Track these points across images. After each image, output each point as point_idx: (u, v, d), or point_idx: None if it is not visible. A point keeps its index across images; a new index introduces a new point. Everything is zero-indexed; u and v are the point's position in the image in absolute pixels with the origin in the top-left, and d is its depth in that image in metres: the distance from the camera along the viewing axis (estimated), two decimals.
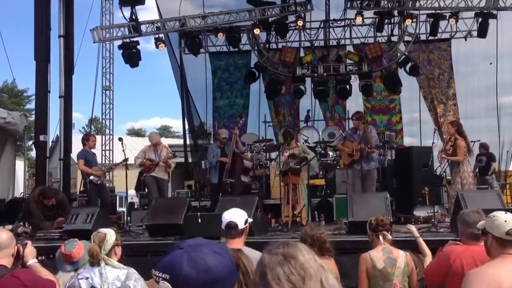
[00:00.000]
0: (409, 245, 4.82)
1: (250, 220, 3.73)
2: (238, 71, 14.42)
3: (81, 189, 10.26)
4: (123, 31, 11.44)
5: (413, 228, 4.84)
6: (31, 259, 3.17)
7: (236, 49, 13.62)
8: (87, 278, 3.08)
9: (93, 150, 9.46)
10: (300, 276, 1.35)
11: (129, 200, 11.95)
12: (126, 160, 8.73)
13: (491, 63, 13.43)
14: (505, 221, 2.76)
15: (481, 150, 11.88)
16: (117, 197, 13.18)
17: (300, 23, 12.33)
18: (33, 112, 13.58)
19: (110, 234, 3.29)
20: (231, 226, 3.52)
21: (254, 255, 3.44)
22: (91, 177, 8.85)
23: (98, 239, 3.27)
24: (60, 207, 8.15)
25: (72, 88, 11.64)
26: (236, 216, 3.56)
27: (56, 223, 7.93)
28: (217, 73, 14.67)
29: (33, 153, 18.91)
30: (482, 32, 12.21)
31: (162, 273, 1.36)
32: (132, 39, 11.41)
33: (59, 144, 11.52)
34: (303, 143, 10.54)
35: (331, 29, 14.07)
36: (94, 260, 3.18)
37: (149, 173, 9.44)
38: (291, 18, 12.60)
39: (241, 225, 3.53)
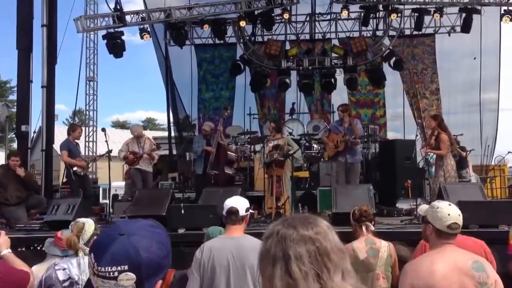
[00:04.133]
0: (392, 237, 4.85)
1: (251, 210, 3.75)
2: (224, 63, 14.37)
3: (64, 180, 10.16)
4: (108, 21, 11.30)
5: None
6: (5, 249, 3.09)
7: (222, 42, 13.56)
8: (64, 269, 3.00)
9: (76, 141, 9.35)
10: (325, 264, 1.26)
11: (113, 192, 11.87)
12: (109, 151, 8.65)
13: (475, 58, 13.58)
14: (448, 214, 2.79)
15: None
16: (100, 189, 13.08)
17: (286, 16, 12.32)
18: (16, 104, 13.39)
19: (88, 224, 3.22)
20: (232, 211, 3.53)
21: (254, 243, 3.45)
22: (74, 168, 8.76)
23: (76, 229, 3.20)
24: (28, 183, 8.29)
25: (55, 78, 11.49)
26: (238, 202, 3.60)
27: (31, 215, 7.99)
28: (203, 66, 14.60)
29: (15, 145, 18.66)
30: (466, 27, 12.30)
31: (116, 266, 1.23)
32: (116, 29, 11.28)
33: (41, 135, 11.37)
34: (287, 135, 10.55)
35: (316, 23, 14.08)
36: (72, 250, 3.12)
37: (133, 165, 9.38)
38: (277, 11, 12.57)
39: (242, 212, 3.54)
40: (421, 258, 2.82)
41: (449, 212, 2.80)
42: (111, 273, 1.22)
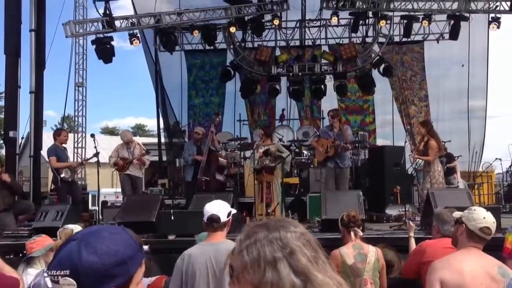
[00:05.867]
0: (381, 243, 4.87)
1: (233, 211, 3.65)
2: (214, 69, 14.38)
3: (52, 187, 10.08)
4: (97, 26, 11.26)
5: (412, 225, 4.74)
6: None
7: (212, 47, 13.57)
8: None
9: (64, 145, 9.28)
10: (319, 255, 1.26)
11: (102, 198, 11.79)
12: (97, 154, 8.59)
13: (463, 65, 13.72)
14: (484, 217, 2.84)
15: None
16: (90, 195, 12.99)
17: (276, 22, 12.35)
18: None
19: (76, 230, 3.20)
20: (213, 219, 3.48)
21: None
22: (62, 175, 8.70)
23: (64, 235, 3.18)
24: (15, 188, 8.29)
25: (43, 84, 11.40)
26: (219, 208, 3.52)
27: (20, 222, 7.91)
28: (193, 71, 14.59)
29: (3, 151, 18.51)
30: (454, 34, 12.44)
31: (60, 270, 1.20)
32: (106, 35, 11.24)
33: (30, 141, 11.27)
34: (277, 141, 10.57)
35: (306, 29, 14.16)
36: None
37: (123, 171, 9.33)
38: (267, 17, 12.60)
39: (223, 218, 3.49)
40: (450, 257, 2.86)
41: (484, 215, 2.85)
42: (56, 277, 1.20)
